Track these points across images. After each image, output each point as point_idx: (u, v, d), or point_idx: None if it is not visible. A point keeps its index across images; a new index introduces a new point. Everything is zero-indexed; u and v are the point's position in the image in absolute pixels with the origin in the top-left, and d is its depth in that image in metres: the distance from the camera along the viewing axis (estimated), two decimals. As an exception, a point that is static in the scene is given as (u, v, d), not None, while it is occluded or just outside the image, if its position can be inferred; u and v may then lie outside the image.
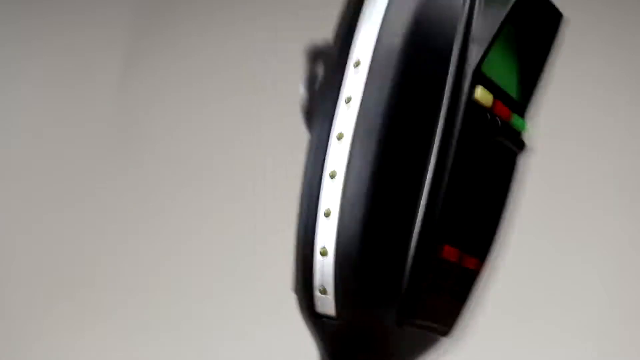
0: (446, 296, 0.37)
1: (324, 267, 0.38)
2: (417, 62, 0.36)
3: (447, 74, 0.35)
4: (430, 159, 0.35)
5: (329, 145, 0.37)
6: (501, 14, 0.35)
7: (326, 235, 0.37)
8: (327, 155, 0.37)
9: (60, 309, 1.47)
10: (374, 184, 0.36)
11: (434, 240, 0.35)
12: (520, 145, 0.37)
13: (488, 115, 0.35)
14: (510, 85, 0.37)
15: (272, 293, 1.42)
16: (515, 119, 0.36)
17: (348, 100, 0.37)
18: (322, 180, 0.37)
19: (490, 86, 0.35)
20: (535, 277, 1.36)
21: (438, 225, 0.35)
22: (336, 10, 0.42)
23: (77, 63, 1.57)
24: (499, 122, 0.35)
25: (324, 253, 0.38)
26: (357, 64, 0.37)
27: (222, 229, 1.46)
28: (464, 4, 0.36)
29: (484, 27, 0.35)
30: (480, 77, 0.35)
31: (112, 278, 1.47)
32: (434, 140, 0.35)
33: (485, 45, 0.35)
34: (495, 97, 0.35)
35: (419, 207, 0.35)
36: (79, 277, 1.48)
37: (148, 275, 1.47)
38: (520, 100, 0.37)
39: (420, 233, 0.35)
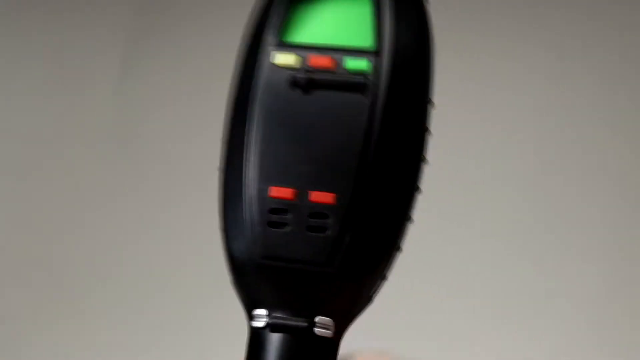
0: (301, 232, 0.43)
1: None
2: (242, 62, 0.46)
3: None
4: (247, 126, 0.43)
5: None
6: None
7: None
8: None
9: (59, 308, 1.47)
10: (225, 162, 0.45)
11: (260, 184, 0.43)
12: (359, 83, 0.43)
13: (294, 72, 0.43)
14: (352, 38, 0.45)
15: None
16: (348, 62, 0.43)
17: None
18: None
19: (298, 48, 0.44)
20: (534, 277, 1.36)
21: (259, 171, 0.43)
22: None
23: (75, 64, 1.57)
24: (317, 72, 0.43)
25: None
26: None
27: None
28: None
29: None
30: (283, 46, 0.44)
31: (111, 278, 1.47)
32: (248, 109, 0.44)
33: (279, 23, 0.44)
34: (306, 54, 0.44)
35: (245, 164, 0.43)
36: (78, 276, 1.48)
37: (147, 276, 1.47)
38: (375, 47, 0.44)
39: (247, 180, 0.43)
